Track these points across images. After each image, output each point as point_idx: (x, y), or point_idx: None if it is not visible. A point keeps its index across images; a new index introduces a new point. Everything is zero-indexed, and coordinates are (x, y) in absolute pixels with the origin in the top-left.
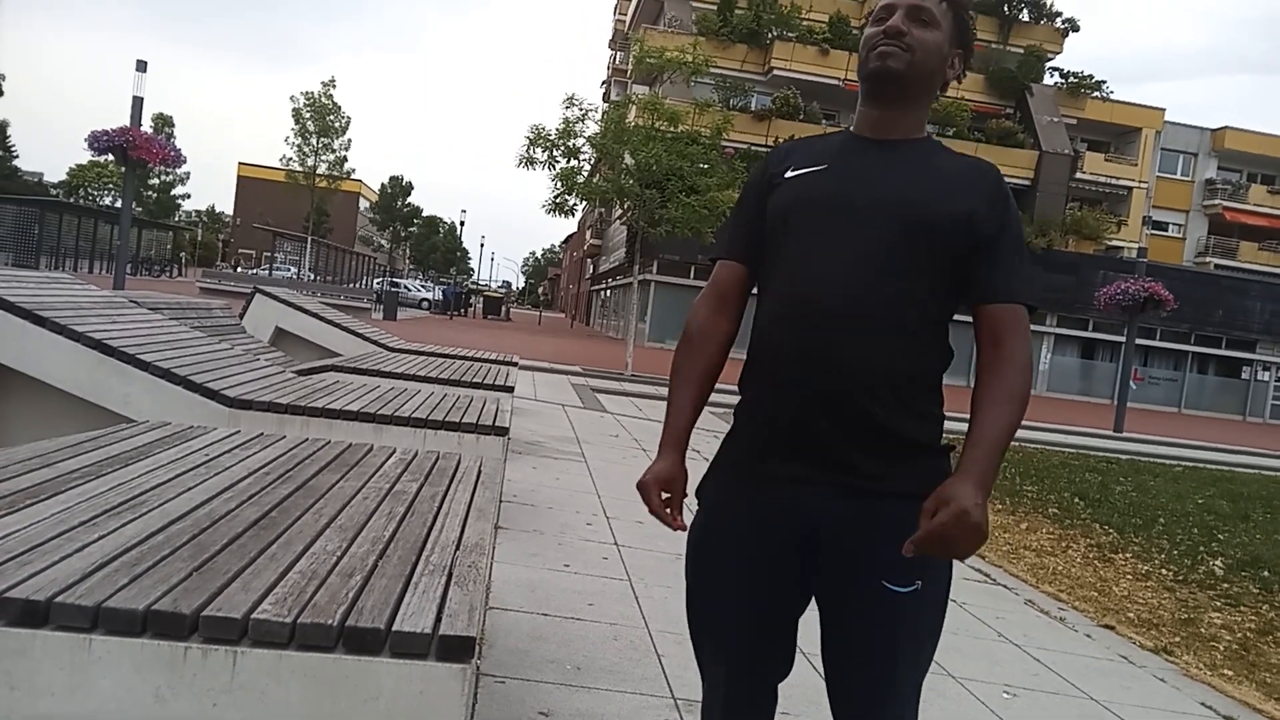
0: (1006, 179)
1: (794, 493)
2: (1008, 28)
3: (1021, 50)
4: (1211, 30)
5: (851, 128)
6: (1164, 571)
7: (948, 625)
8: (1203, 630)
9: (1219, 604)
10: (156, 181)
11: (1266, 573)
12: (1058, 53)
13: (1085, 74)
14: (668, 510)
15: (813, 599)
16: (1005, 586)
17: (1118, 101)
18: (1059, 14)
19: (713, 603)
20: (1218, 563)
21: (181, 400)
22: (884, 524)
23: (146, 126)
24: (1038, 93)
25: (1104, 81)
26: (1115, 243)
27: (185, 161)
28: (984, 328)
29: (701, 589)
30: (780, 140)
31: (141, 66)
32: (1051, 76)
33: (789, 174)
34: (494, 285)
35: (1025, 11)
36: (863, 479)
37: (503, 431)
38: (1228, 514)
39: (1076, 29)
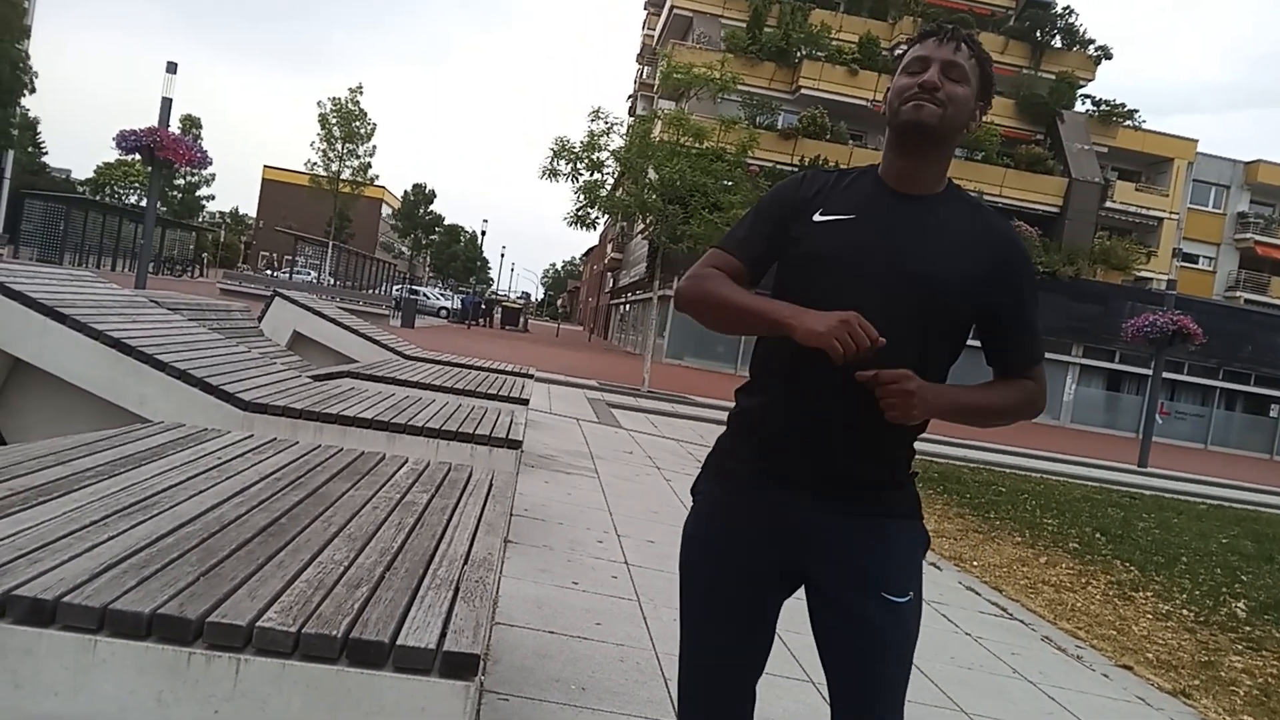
0: (1035, 206)
1: (789, 505)
2: (1039, 53)
3: (1053, 76)
4: (1243, 65)
5: (879, 170)
6: (1185, 612)
7: (962, 660)
8: (1223, 674)
9: (1240, 647)
10: (182, 182)
11: None
12: (1090, 80)
13: (1118, 102)
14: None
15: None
16: (1022, 621)
17: (1150, 131)
18: (1092, 41)
19: (702, 600)
20: (1240, 604)
21: (197, 402)
22: (884, 540)
23: (174, 128)
24: (1069, 119)
25: (1136, 110)
26: (1144, 274)
27: (211, 163)
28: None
29: (693, 586)
30: (806, 161)
31: (172, 68)
32: (1083, 104)
33: (818, 218)
34: (513, 295)
35: (1058, 38)
36: (864, 498)
37: (516, 445)
38: (1252, 555)
39: (1110, 57)
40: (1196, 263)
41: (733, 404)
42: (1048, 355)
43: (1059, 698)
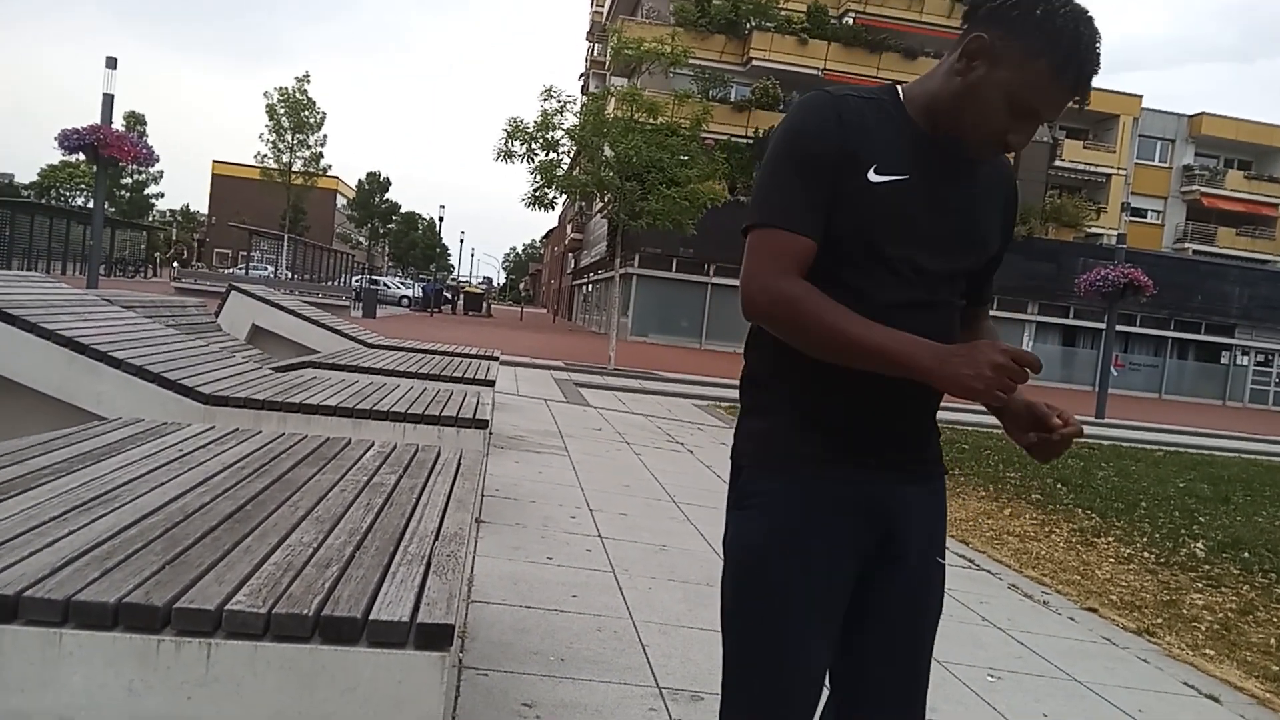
0: None
1: (876, 484)
2: None
3: None
4: (1184, 21)
5: (903, 101)
6: (1146, 554)
7: None
8: (1184, 611)
9: (1200, 585)
10: (129, 181)
11: (1247, 554)
12: None
13: None
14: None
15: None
16: (989, 572)
17: (1095, 88)
18: None
19: (805, 611)
20: (1199, 545)
21: (155, 398)
22: (940, 501)
23: (118, 125)
24: None
25: None
26: (1095, 230)
27: (158, 160)
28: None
29: (788, 599)
30: (760, 133)
31: (112, 64)
32: None
33: (875, 178)
34: (475, 281)
35: None
36: (927, 463)
37: (483, 424)
38: (1209, 497)
39: None
40: (1145, 217)
41: (765, 385)
42: (1005, 314)
43: (1027, 641)
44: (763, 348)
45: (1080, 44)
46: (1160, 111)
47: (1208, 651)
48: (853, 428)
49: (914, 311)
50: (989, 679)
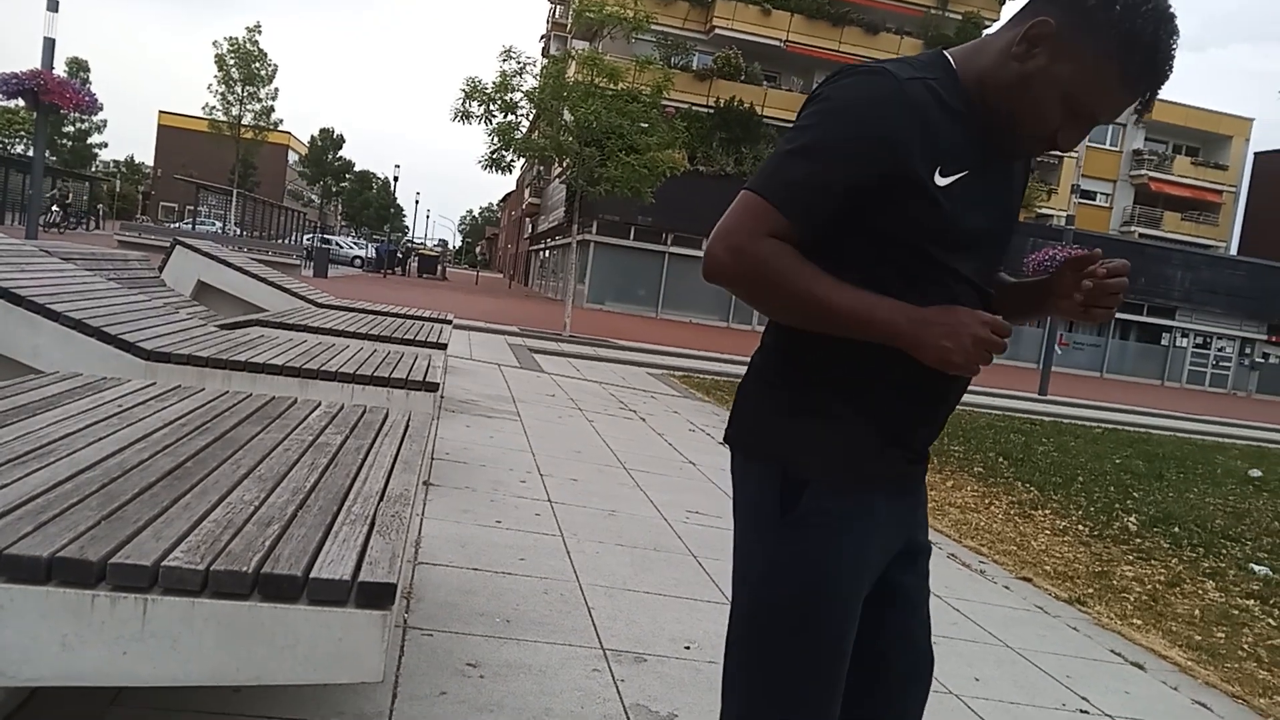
0: None
1: (920, 483)
2: None
3: (959, 16)
4: None
5: (960, 82)
6: (1081, 527)
7: None
8: (1115, 582)
9: (1131, 558)
10: (71, 129)
11: (1176, 529)
12: (995, 20)
13: None
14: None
15: None
16: (930, 541)
17: None
18: None
19: (847, 624)
20: (1131, 519)
21: (94, 352)
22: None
23: (60, 70)
24: None
25: None
26: (1045, 210)
27: (102, 108)
28: None
29: (836, 617)
30: (721, 103)
31: (53, 5)
32: None
33: (942, 180)
34: (430, 243)
35: None
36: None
37: (433, 387)
38: (1143, 473)
39: None
40: (1094, 199)
41: (818, 380)
42: None
43: (963, 609)
44: (816, 334)
45: (1159, 52)
46: None
47: (1135, 621)
48: (911, 427)
49: (970, 293)
50: None
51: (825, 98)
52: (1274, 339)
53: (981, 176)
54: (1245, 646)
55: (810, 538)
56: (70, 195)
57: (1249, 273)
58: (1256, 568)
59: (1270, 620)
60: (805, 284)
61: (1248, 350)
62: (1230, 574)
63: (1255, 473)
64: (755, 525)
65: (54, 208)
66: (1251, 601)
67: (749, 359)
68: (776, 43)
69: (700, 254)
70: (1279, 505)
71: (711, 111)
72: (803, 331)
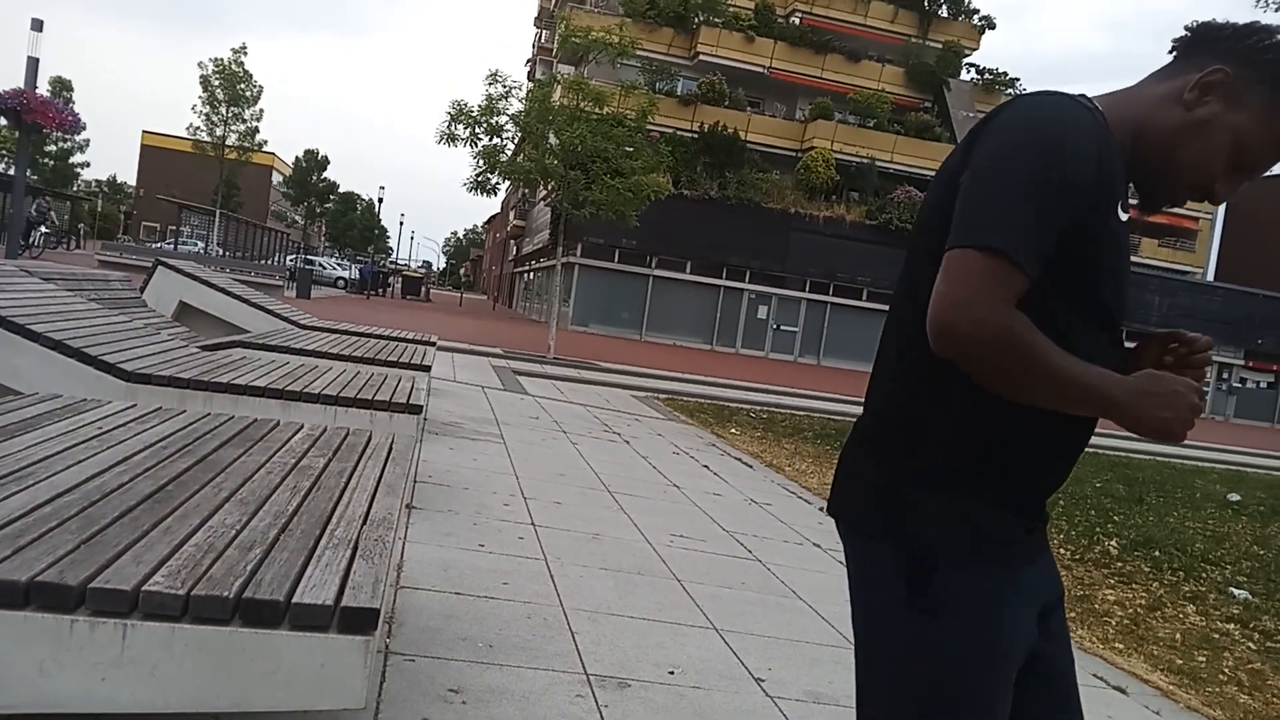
0: (924, 172)
1: (1046, 548)
2: (927, 22)
3: (940, 45)
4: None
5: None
6: (1062, 551)
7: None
8: (1097, 606)
9: (1113, 582)
10: (54, 148)
11: (1157, 553)
12: (975, 49)
13: (1000, 71)
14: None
15: None
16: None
17: None
18: (976, 11)
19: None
20: (1113, 543)
21: (75, 373)
22: None
23: (43, 90)
24: (955, 88)
25: (1018, 79)
26: None
27: (85, 128)
28: None
29: (987, 711)
30: (705, 128)
31: (37, 26)
32: (968, 72)
33: (1121, 215)
34: (414, 265)
35: (944, 7)
36: None
37: (417, 410)
38: (1123, 497)
39: (993, 27)
40: None
41: (948, 448)
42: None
43: None
44: (943, 397)
45: None
46: None
47: (1117, 645)
48: (1038, 492)
49: (1102, 365)
50: None
51: (1024, 129)
52: (1251, 364)
53: (1129, 226)
54: (1226, 670)
55: (948, 626)
56: (50, 212)
57: (1225, 298)
58: (1236, 591)
59: (1250, 644)
60: (1051, 357)
61: (1225, 375)
62: (1211, 597)
63: (1234, 497)
64: (883, 612)
65: (42, 227)
66: (1231, 625)
67: (854, 423)
68: (760, 69)
69: (685, 277)
70: (1257, 529)
71: (695, 136)
72: (928, 399)
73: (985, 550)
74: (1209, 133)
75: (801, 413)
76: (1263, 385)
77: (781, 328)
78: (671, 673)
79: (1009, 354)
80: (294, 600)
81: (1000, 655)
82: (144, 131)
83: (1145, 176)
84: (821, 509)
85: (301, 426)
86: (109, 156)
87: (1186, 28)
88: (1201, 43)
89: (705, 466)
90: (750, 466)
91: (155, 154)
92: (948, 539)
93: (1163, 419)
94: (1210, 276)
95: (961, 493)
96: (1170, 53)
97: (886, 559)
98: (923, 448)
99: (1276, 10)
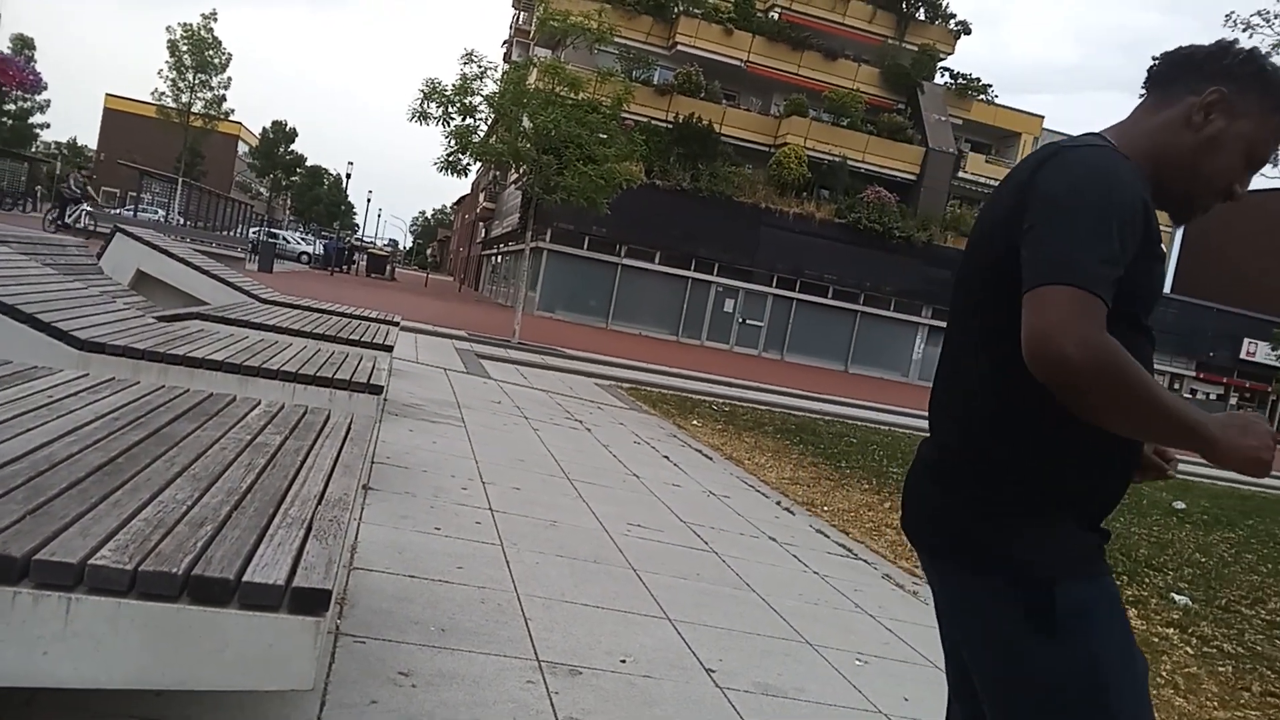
0: (894, 173)
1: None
2: (904, 24)
3: (916, 48)
4: (1087, 50)
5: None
6: None
7: (809, 596)
8: None
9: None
10: (12, 108)
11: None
12: (949, 53)
13: (973, 76)
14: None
15: None
16: (866, 561)
17: (1001, 106)
18: (953, 15)
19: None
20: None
21: (25, 340)
22: None
23: (3, 47)
24: (928, 91)
25: (990, 85)
26: None
27: (46, 88)
28: None
29: (1140, 703)
30: (680, 118)
31: None
32: (942, 76)
33: (1163, 246)
34: (380, 243)
35: (922, 10)
36: None
37: (377, 390)
38: None
39: (969, 32)
40: None
41: (1033, 481)
42: (900, 316)
43: (895, 629)
44: (1031, 429)
45: None
46: (1060, 132)
47: None
48: (1106, 511)
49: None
50: (857, 663)
51: (1080, 170)
52: (1202, 375)
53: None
54: (1164, 674)
55: (1079, 640)
56: (87, 186)
57: (1180, 311)
58: (1177, 597)
59: (1188, 649)
60: (1149, 382)
61: (1176, 387)
62: (1152, 603)
63: (1179, 505)
64: (1010, 643)
65: (85, 205)
66: (1171, 630)
67: (923, 455)
68: (737, 63)
69: (654, 267)
70: (1200, 537)
71: (670, 126)
72: (1006, 437)
73: (1089, 565)
74: (1222, 145)
75: (763, 407)
76: (1212, 397)
77: (747, 322)
78: (623, 661)
79: (1114, 374)
80: (244, 579)
81: (1132, 649)
82: (107, 94)
83: (1173, 197)
84: (779, 503)
85: (259, 403)
86: (71, 119)
87: (1156, 59)
88: (1180, 71)
89: (665, 457)
90: (710, 459)
91: (118, 118)
92: (1058, 561)
93: (1251, 447)
94: (1166, 289)
95: (1054, 517)
96: (1144, 86)
97: (999, 590)
98: (1014, 479)
99: (1244, 31)
